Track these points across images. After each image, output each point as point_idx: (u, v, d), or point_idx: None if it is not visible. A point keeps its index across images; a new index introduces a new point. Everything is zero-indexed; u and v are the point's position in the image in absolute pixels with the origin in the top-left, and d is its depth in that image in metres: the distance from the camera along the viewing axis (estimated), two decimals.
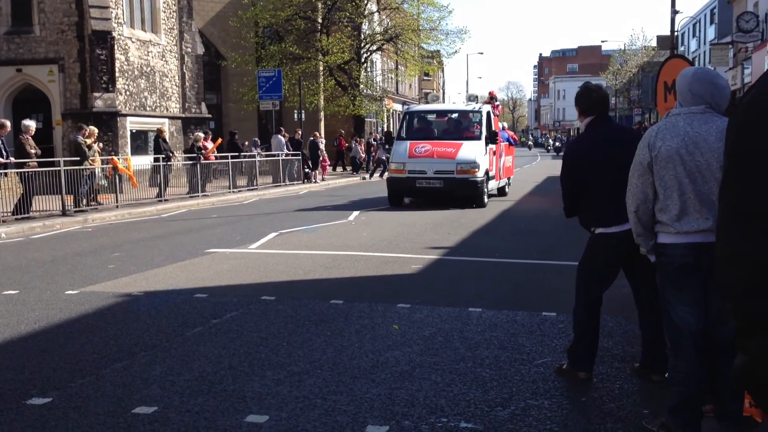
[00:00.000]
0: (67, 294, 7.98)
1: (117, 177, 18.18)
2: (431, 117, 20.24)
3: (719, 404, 3.93)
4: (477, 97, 20.46)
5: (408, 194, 18.08)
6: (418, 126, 19.43)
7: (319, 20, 37.38)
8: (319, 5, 37.36)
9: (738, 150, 1.54)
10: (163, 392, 4.77)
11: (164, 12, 28.73)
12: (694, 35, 56.61)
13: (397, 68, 51.04)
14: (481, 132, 18.19)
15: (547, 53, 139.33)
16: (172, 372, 5.20)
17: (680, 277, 3.87)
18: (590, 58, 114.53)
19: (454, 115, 19.77)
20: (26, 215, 15.25)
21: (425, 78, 73.02)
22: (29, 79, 25.33)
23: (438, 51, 46.47)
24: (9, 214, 15.03)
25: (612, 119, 5.17)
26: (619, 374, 5.09)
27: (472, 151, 17.45)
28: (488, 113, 19.00)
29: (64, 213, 15.99)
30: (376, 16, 40.73)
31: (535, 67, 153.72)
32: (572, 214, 5.12)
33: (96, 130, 19.40)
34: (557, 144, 74.75)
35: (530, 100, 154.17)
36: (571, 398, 4.65)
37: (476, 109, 19.14)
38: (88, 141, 17.96)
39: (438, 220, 14.75)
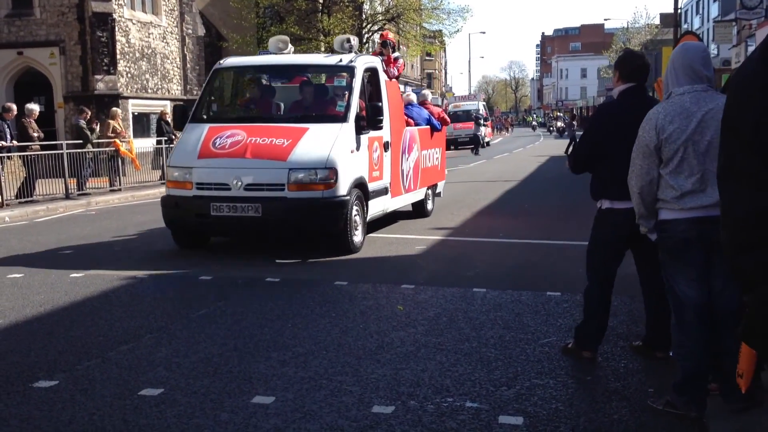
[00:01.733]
0: (71, 277, 7.99)
1: (119, 160, 18.18)
2: (263, 79, 11.02)
3: (724, 382, 3.93)
4: (350, 41, 10.74)
5: (197, 227, 9.57)
6: (239, 96, 11.08)
7: (320, 0, 37.16)
8: None
9: (723, 118, 1.64)
10: (169, 374, 4.79)
11: None
12: (697, 12, 56.21)
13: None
14: (348, 107, 9.41)
15: (549, 32, 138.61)
16: (178, 354, 5.22)
17: (682, 251, 3.91)
18: (593, 36, 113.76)
19: (310, 76, 10.87)
20: (30, 199, 15.26)
21: (427, 58, 72.74)
22: (30, 62, 25.25)
23: (440, 30, 46.21)
24: (13, 197, 15.04)
25: (647, 91, 5.05)
26: (624, 353, 5.09)
27: (323, 143, 8.89)
28: (370, 71, 10.21)
29: (67, 196, 15.99)
30: None
31: (537, 46, 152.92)
32: (579, 172, 5.08)
33: (119, 111, 19.93)
34: (560, 125, 71.32)
35: (533, 79, 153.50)
36: (576, 377, 4.66)
37: (343, 63, 10.04)
38: (113, 123, 18.32)
39: (441, 201, 14.72)
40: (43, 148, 16.16)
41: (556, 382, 4.57)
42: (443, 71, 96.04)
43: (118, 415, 4.14)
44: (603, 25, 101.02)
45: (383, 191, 10.27)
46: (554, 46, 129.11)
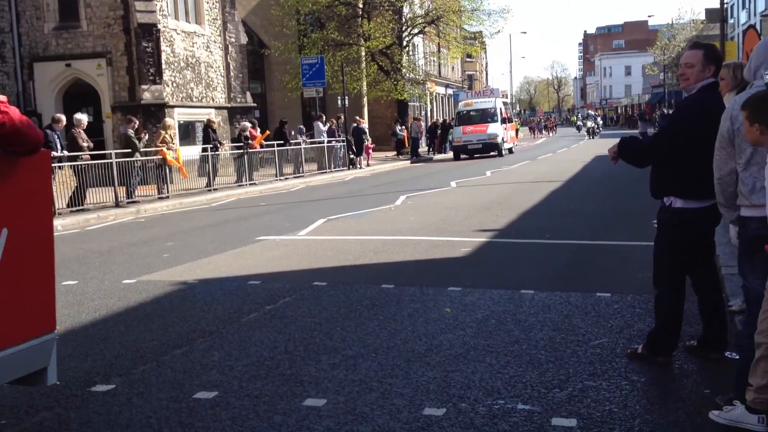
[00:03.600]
0: (124, 283, 8.16)
1: (167, 168, 18.50)
2: None
3: None
4: None
5: None
6: None
7: (360, 5, 37.33)
8: None
9: None
10: (222, 377, 4.86)
11: (207, 3, 29.00)
12: (743, 7, 55.14)
13: (439, 51, 50.74)
14: None
15: (592, 30, 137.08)
16: (230, 357, 5.29)
17: (753, 248, 3.88)
18: (637, 33, 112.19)
19: None
20: (81, 207, 15.62)
21: (468, 60, 72.46)
22: (78, 74, 25.83)
23: (480, 32, 46.11)
24: (65, 206, 15.39)
25: None
26: (678, 354, 5.00)
27: None
28: None
29: (117, 204, 16.32)
30: None
31: (579, 44, 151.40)
32: (645, 165, 4.89)
33: (171, 122, 20.45)
34: (589, 124, 58.83)
35: (575, 78, 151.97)
36: (630, 379, 4.60)
37: None
38: (164, 133, 18.73)
39: (486, 203, 14.67)
40: (93, 157, 16.52)
41: (609, 383, 4.52)
42: (484, 72, 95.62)
43: (174, 417, 4.22)
44: (647, 21, 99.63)
45: None
46: (597, 44, 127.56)
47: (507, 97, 51.92)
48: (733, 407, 3.74)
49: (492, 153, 33.75)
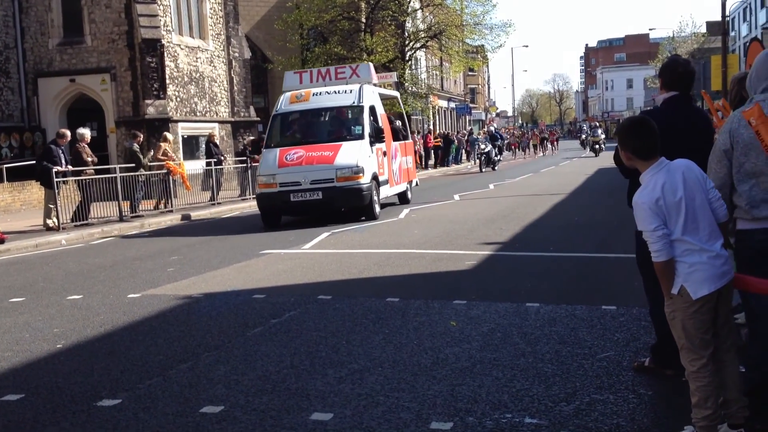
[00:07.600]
0: (129, 297, 8.16)
1: (171, 182, 18.54)
2: None
3: None
4: None
5: None
6: None
7: (363, 20, 37.50)
8: (363, 5, 37.48)
9: None
10: (228, 392, 4.86)
11: (211, 18, 29.16)
12: (744, 20, 55.37)
13: (441, 65, 50.92)
14: None
15: (593, 43, 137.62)
16: (236, 371, 5.29)
17: (757, 261, 3.82)
18: (638, 46, 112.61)
19: None
20: (85, 222, 15.65)
21: (470, 73, 72.68)
22: (82, 89, 25.94)
23: (482, 46, 46.27)
24: (69, 221, 15.42)
25: (693, 100, 4.91)
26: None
27: None
28: None
29: (121, 219, 16.35)
30: (419, 13, 40.69)
31: (581, 57, 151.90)
32: (625, 177, 4.88)
33: (170, 135, 21.03)
34: (481, 148, 35.12)
35: (577, 91, 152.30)
36: (637, 392, 4.59)
37: None
38: (164, 146, 18.93)
39: (490, 216, 14.67)
40: (97, 172, 16.56)
41: (617, 397, 4.50)
42: (486, 86, 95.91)
43: None
44: (648, 34, 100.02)
45: None
46: (598, 57, 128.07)
47: (385, 85, 27.42)
48: (721, 425, 3.72)
49: (342, 208, 15.15)
